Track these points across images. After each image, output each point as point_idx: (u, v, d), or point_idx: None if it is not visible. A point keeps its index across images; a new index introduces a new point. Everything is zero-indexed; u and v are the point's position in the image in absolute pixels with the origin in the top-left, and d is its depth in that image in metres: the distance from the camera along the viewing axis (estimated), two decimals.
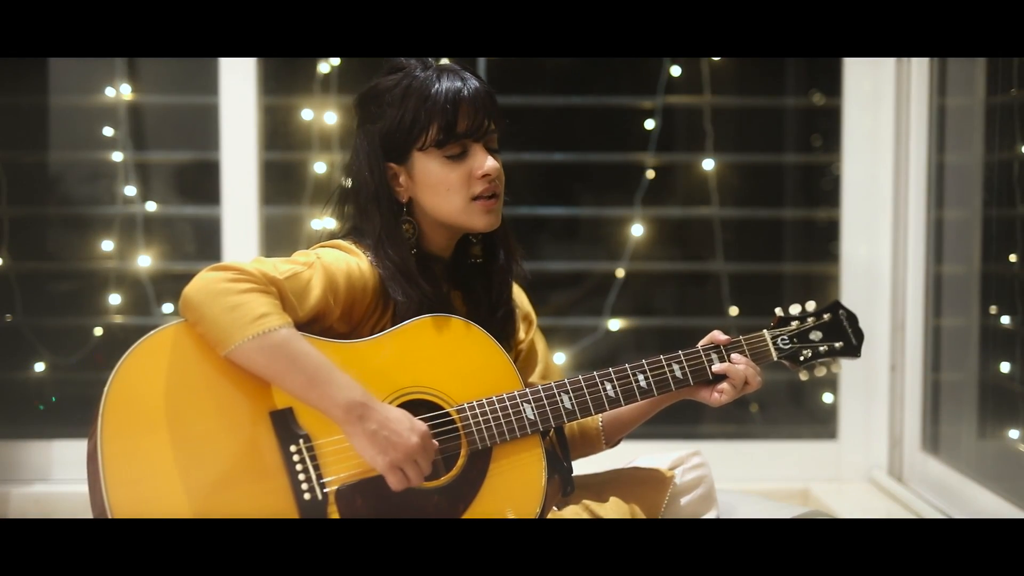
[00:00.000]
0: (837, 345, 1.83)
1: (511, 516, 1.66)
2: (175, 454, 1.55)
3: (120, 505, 1.52)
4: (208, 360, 1.58)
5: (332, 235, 1.81)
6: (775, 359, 1.82)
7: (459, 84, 1.72)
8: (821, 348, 1.82)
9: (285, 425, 1.60)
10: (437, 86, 1.71)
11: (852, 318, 1.85)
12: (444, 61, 1.79)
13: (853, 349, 1.84)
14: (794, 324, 1.83)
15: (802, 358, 1.82)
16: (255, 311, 1.55)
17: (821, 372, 1.84)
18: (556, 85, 3.15)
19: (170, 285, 2.98)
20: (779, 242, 3.18)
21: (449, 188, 1.73)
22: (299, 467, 1.59)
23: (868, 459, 2.98)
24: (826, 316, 1.84)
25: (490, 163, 1.73)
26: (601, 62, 3.10)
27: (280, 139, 3.02)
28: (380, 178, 1.75)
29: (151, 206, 3.02)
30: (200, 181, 3.01)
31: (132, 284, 3.00)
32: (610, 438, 1.88)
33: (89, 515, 1.57)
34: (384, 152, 1.75)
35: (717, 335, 1.80)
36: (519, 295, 1.94)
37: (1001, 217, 2.57)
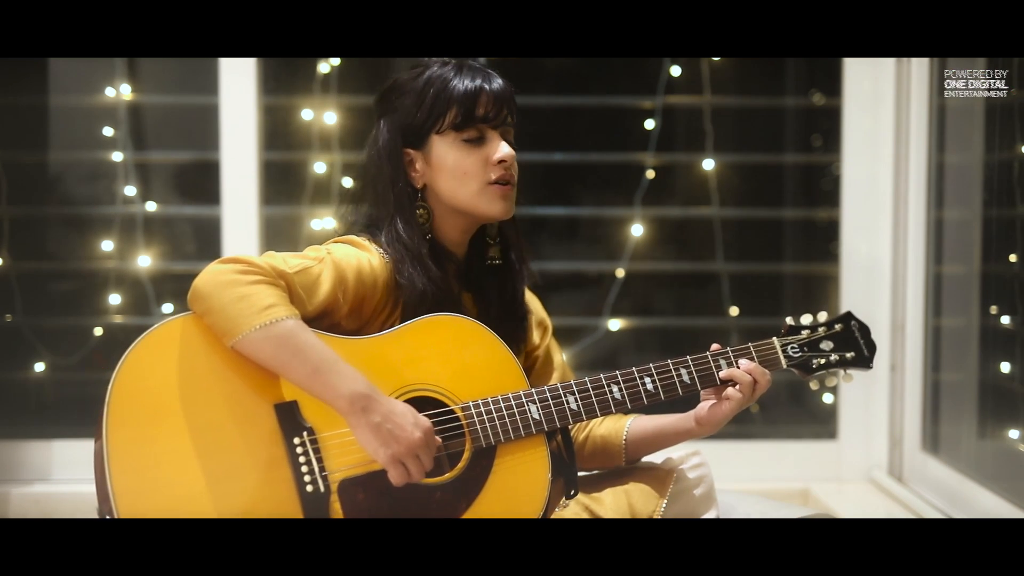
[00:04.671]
0: (848, 355, 1.82)
1: (510, 513, 1.66)
2: (180, 444, 1.56)
3: (124, 493, 1.53)
4: (214, 352, 1.59)
5: (346, 231, 1.82)
6: (784, 367, 1.81)
7: (481, 76, 1.77)
8: (832, 358, 1.81)
9: (289, 417, 1.60)
10: (459, 76, 1.76)
11: (864, 329, 1.85)
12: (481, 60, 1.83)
13: (865, 360, 1.83)
14: (804, 333, 1.83)
15: (813, 367, 1.81)
16: (262, 302, 1.56)
17: (832, 382, 1.84)
18: (556, 85, 3.15)
19: (170, 285, 2.98)
20: (779, 242, 3.18)
21: (466, 172, 1.76)
22: (302, 459, 1.59)
23: (868, 459, 2.98)
24: (838, 326, 1.83)
25: (506, 149, 1.77)
26: (601, 62, 3.10)
27: (280, 139, 3.02)
28: (397, 163, 1.78)
29: (151, 206, 3.02)
30: (200, 181, 3.01)
31: (132, 284, 3.00)
32: (631, 457, 1.88)
33: (89, 515, 1.58)
34: (403, 138, 1.78)
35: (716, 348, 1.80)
36: (533, 301, 1.95)
37: (1001, 217, 2.57)
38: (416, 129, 1.77)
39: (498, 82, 1.78)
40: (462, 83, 1.75)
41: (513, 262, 1.87)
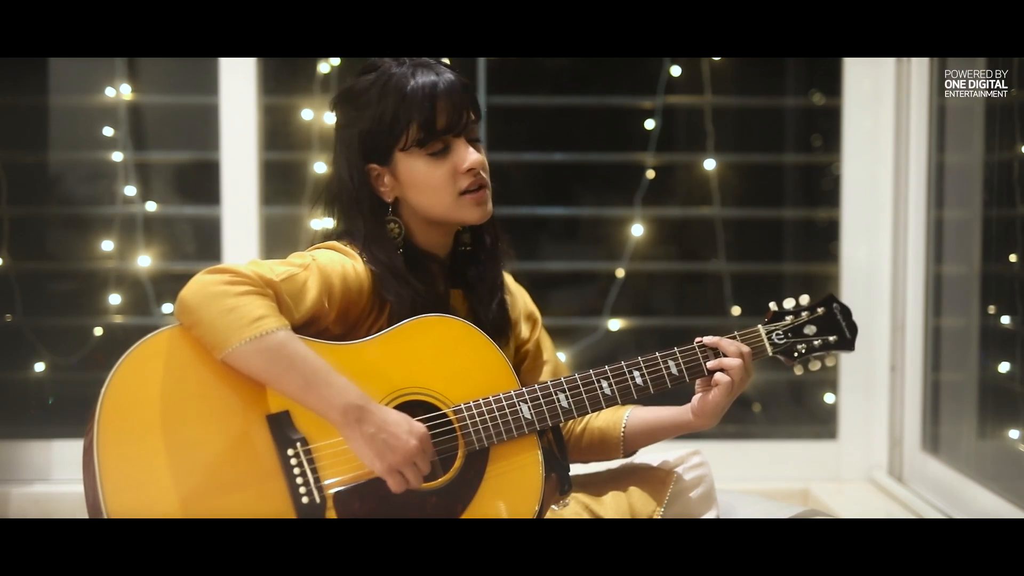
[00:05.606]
0: (831, 339, 1.83)
1: (504, 513, 1.66)
2: (172, 459, 1.54)
3: (117, 511, 1.51)
4: (204, 364, 1.58)
5: (328, 236, 1.81)
6: (770, 354, 1.81)
7: (434, 78, 1.71)
8: (815, 342, 1.82)
9: (282, 428, 1.59)
10: (413, 83, 1.71)
11: (846, 311, 1.85)
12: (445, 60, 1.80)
13: (847, 342, 1.84)
14: (788, 319, 1.83)
15: (796, 353, 1.82)
16: (252, 313, 1.54)
17: (816, 366, 1.84)
18: (556, 85, 3.15)
19: (170, 285, 2.98)
20: (779, 242, 3.18)
21: (435, 186, 1.73)
22: (296, 470, 1.58)
23: (868, 459, 2.98)
24: (820, 310, 1.84)
25: (474, 156, 1.74)
26: (601, 62, 3.10)
27: (280, 139, 3.02)
28: (361, 181, 1.75)
29: (151, 206, 3.02)
30: (200, 181, 3.01)
31: (132, 284, 3.00)
32: (629, 448, 1.88)
33: (89, 515, 1.57)
34: (364, 154, 1.75)
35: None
36: (522, 294, 1.94)
37: (1001, 217, 2.57)
38: (378, 145, 1.74)
39: (450, 80, 1.72)
40: (418, 93, 1.70)
41: (486, 243, 1.84)
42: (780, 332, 1.82)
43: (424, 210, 1.76)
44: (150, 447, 1.54)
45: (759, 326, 1.82)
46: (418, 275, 1.74)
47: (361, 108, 1.74)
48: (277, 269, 1.63)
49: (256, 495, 1.56)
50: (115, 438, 1.54)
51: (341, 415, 1.56)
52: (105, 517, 1.51)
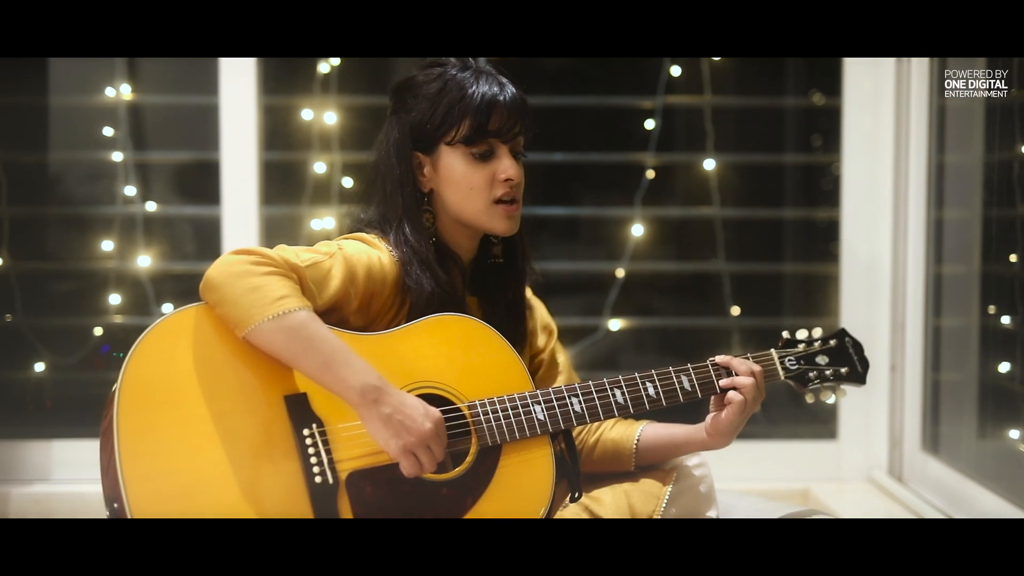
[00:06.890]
0: (843, 370, 1.85)
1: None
2: (189, 432, 1.57)
3: (133, 479, 1.53)
4: (226, 342, 1.61)
5: (357, 226, 1.84)
6: (782, 379, 1.83)
7: (496, 89, 1.77)
8: (827, 372, 1.84)
9: (299, 409, 1.61)
10: (475, 88, 1.76)
11: (858, 346, 1.88)
12: (482, 61, 1.83)
13: (858, 376, 1.86)
14: (800, 346, 1.85)
15: (809, 380, 1.83)
16: (275, 293, 1.57)
17: (827, 397, 1.86)
18: (556, 85, 3.15)
19: (170, 285, 2.98)
20: (779, 242, 3.18)
21: (472, 187, 1.77)
22: (311, 451, 1.60)
23: (868, 459, 2.98)
24: (832, 342, 1.86)
25: (512, 168, 1.78)
26: (601, 62, 3.10)
27: (280, 139, 3.02)
28: (406, 165, 1.79)
29: (151, 206, 3.02)
30: (200, 181, 3.01)
31: (132, 284, 3.00)
32: (640, 462, 1.89)
33: (89, 515, 1.58)
34: (412, 141, 1.79)
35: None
36: (539, 306, 1.97)
37: (1001, 217, 2.57)
38: (427, 135, 1.78)
39: (512, 92, 1.79)
40: (478, 94, 1.76)
41: (515, 261, 1.88)
42: (792, 358, 1.84)
43: (455, 208, 1.78)
44: (169, 419, 1.57)
45: (772, 350, 1.84)
46: (441, 267, 1.76)
47: (419, 98, 1.79)
48: (303, 255, 1.66)
49: (270, 473, 1.58)
50: (135, 409, 1.56)
51: (359, 395, 1.57)
52: (121, 485, 1.52)
